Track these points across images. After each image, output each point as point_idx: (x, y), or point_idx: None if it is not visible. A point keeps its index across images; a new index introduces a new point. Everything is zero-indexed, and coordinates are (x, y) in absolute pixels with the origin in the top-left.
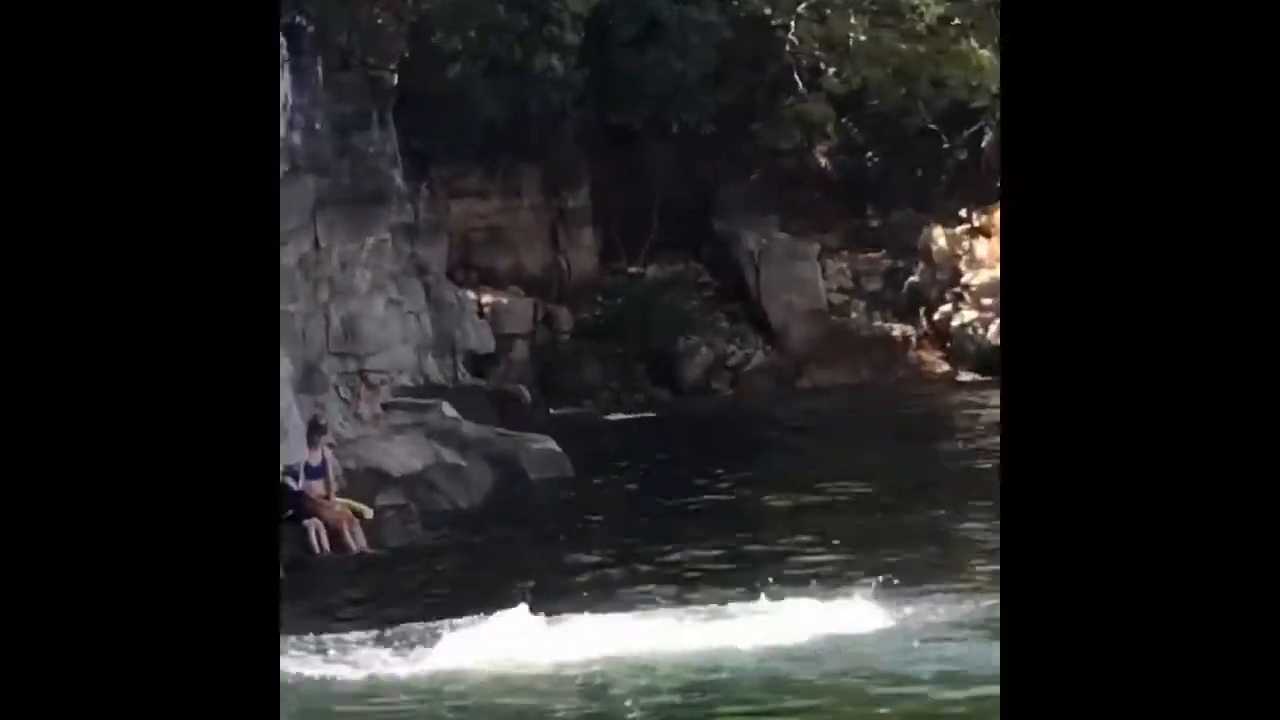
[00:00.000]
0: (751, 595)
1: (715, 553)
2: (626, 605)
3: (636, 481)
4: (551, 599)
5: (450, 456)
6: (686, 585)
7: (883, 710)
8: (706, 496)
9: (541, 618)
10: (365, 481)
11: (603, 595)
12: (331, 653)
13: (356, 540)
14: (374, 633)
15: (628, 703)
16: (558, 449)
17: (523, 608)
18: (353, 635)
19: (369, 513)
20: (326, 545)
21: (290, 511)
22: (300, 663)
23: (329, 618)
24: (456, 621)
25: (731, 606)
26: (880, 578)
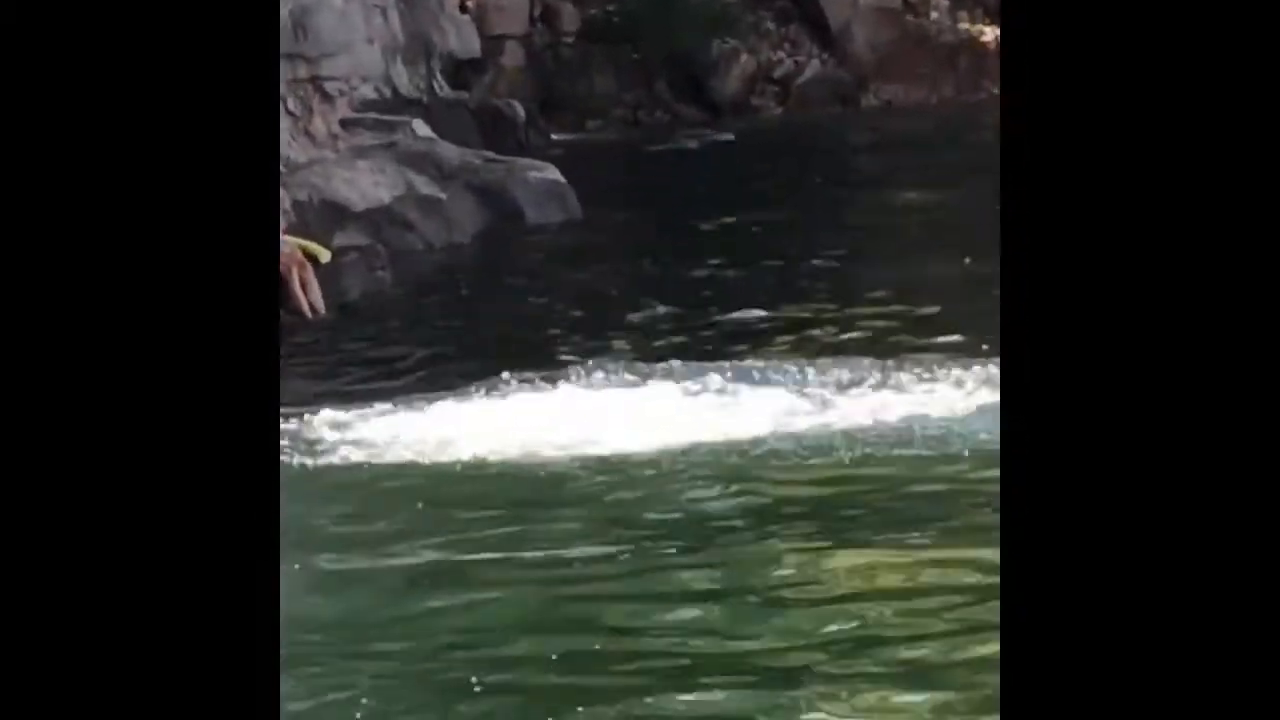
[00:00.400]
0: (811, 365)
1: (762, 315)
2: (644, 375)
3: (660, 223)
4: (555, 367)
5: (426, 187)
6: (731, 353)
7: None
8: (753, 245)
9: (549, 390)
10: (320, 217)
11: (621, 363)
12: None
13: (310, 292)
14: (335, 410)
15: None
16: (561, 179)
17: (526, 378)
18: (312, 415)
19: (326, 255)
20: None
21: None
22: None
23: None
24: (438, 396)
25: (784, 379)
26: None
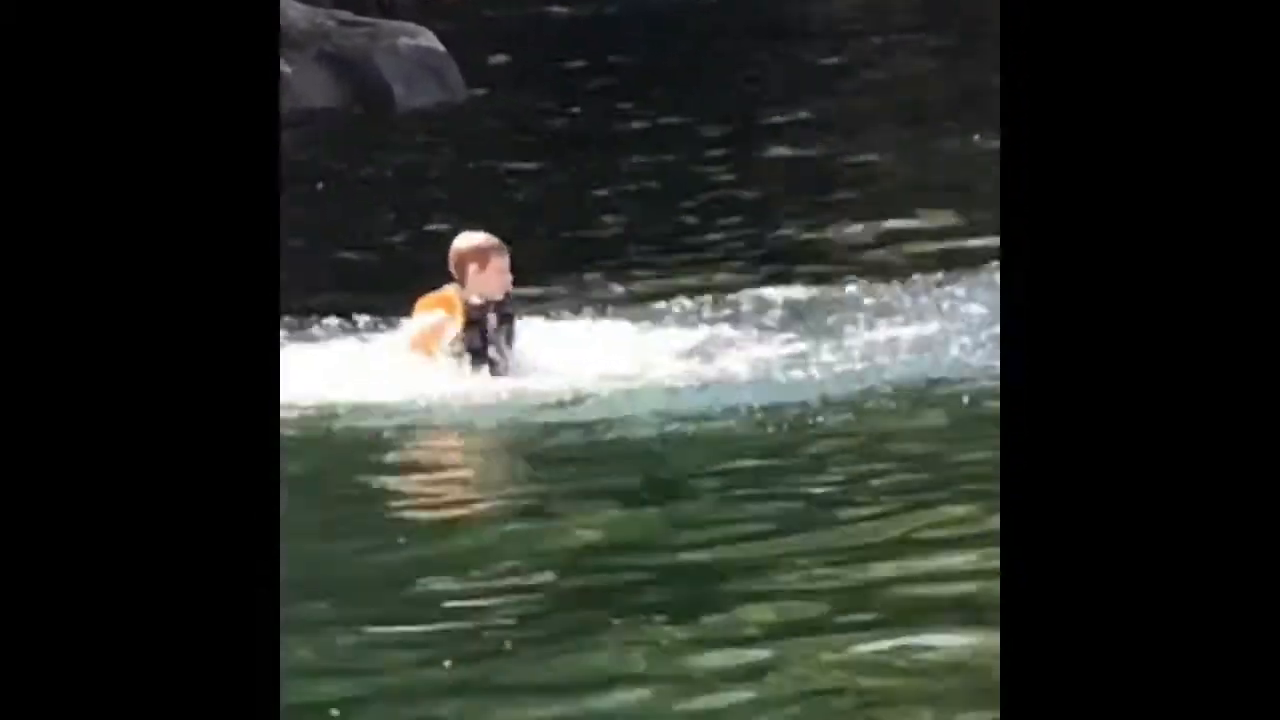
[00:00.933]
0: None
1: (712, 229)
2: (560, 303)
3: (570, 109)
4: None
5: None
6: (660, 277)
7: None
8: (689, 141)
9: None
10: None
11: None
12: None
13: None
14: None
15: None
16: (439, 48)
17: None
18: None
19: None
20: None
21: None
22: None
23: None
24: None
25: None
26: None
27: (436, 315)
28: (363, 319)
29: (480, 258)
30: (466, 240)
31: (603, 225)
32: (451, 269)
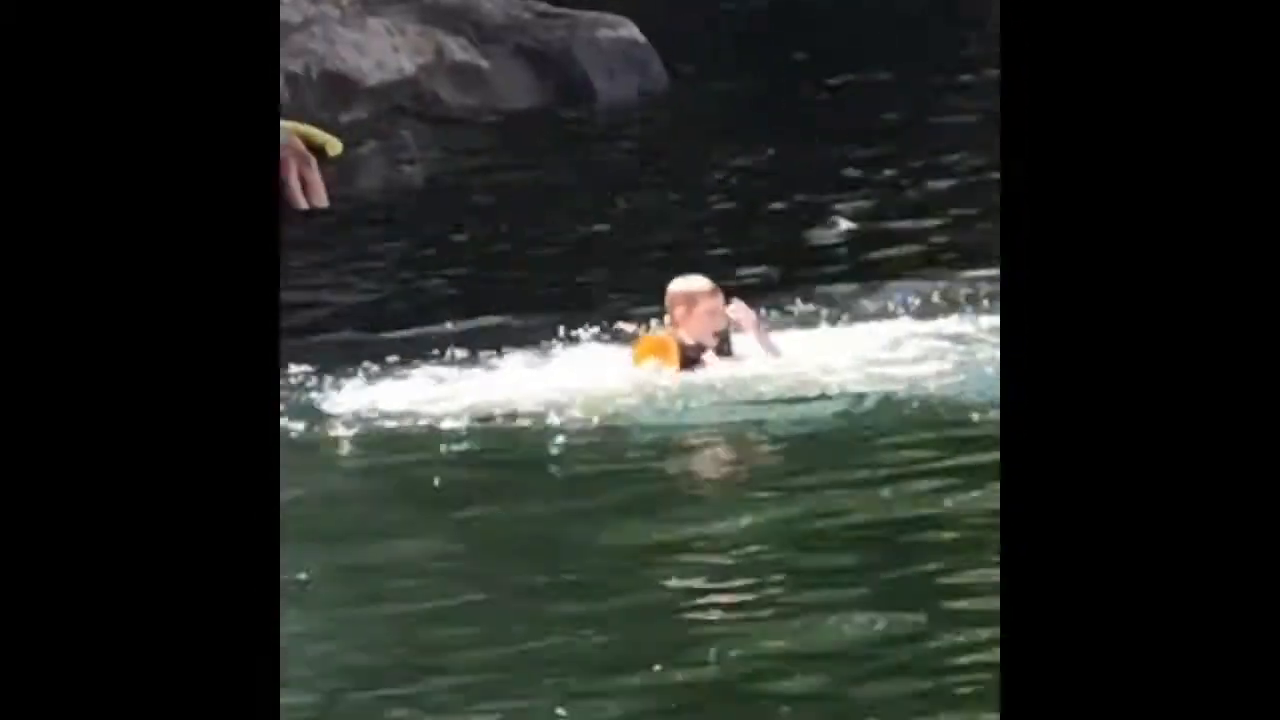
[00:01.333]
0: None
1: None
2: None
3: (777, 94)
4: (642, 303)
5: (462, 51)
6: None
7: None
8: (917, 125)
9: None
10: (322, 94)
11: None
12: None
13: (314, 194)
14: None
15: None
16: (641, 38)
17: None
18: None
19: (337, 147)
20: None
21: None
22: None
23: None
24: (477, 352)
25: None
26: None
27: (650, 364)
28: (585, 332)
29: (687, 301)
30: (676, 285)
31: (823, 218)
32: (666, 312)
